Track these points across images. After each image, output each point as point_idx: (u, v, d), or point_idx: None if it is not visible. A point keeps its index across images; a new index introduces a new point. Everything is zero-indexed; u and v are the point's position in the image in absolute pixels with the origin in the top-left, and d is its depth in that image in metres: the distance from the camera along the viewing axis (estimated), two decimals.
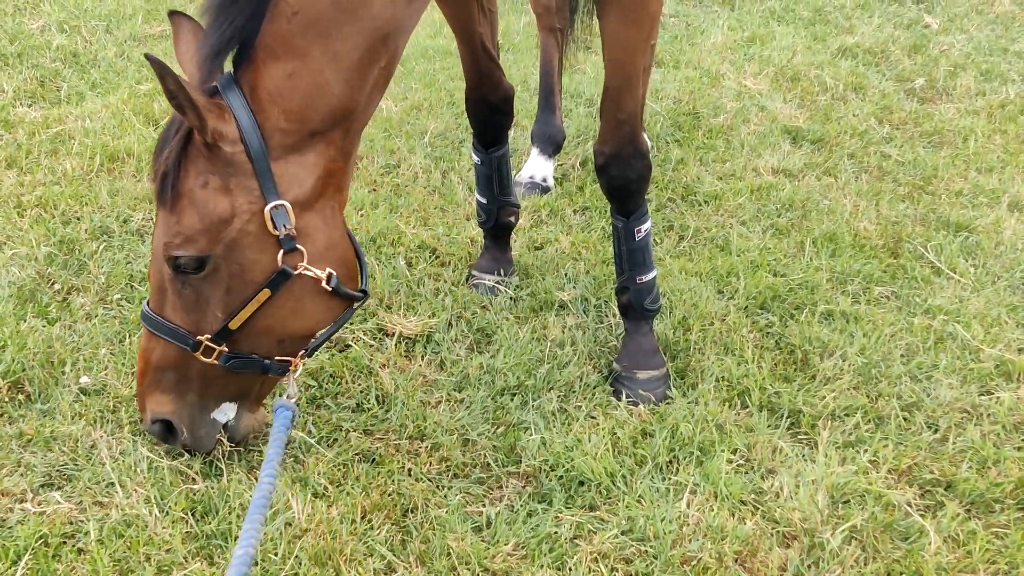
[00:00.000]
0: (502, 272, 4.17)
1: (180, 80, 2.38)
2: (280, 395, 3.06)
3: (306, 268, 2.70)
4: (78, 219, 4.47)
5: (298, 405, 3.08)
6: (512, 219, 4.18)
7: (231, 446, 3.15)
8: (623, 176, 3.47)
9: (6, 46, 6.54)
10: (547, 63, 5.27)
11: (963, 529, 2.96)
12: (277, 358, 2.83)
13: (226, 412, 2.95)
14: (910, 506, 3.05)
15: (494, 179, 4.08)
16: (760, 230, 4.65)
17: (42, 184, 4.76)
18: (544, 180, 5.09)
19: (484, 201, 4.12)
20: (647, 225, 3.58)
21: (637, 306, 3.63)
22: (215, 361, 2.75)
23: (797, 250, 4.48)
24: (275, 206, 2.60)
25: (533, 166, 5.12)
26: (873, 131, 5.78)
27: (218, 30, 2.53)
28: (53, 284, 4.00)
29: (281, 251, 2.65)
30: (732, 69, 6.72)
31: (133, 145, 5.12)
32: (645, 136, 5.14)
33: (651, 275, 3.63)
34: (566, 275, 4.25)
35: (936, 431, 3.38)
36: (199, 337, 2.71)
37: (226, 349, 2.74)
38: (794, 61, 6.79)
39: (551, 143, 5.14)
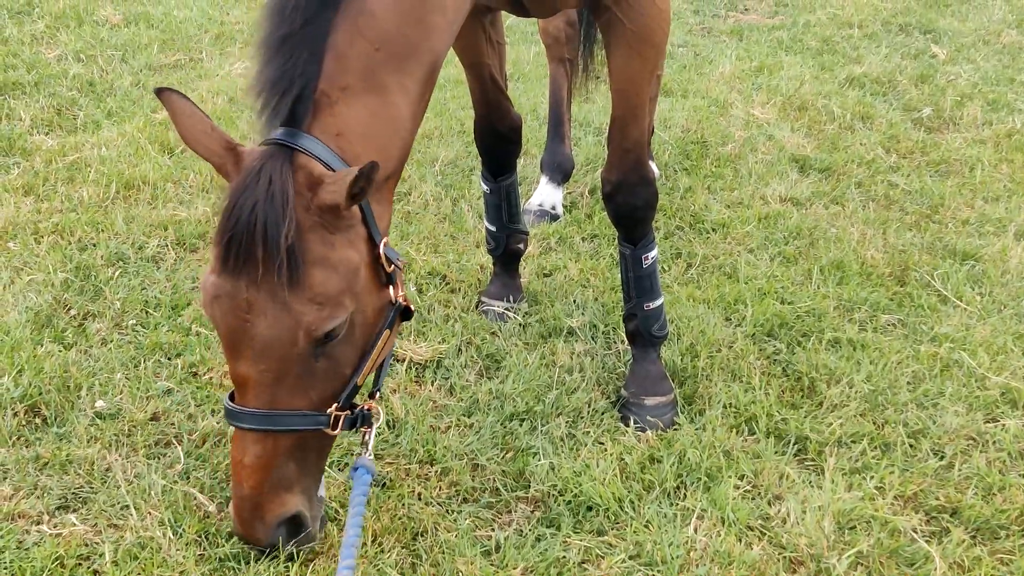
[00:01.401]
0: (511, 299, 4.21)
1: (358, 172, 2.28)
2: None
3: (404, 298, 2.66)
4: (94, 246, 4.54)
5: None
6: (521, 246, 4.24)
7: None
8: (629, 204, 3.52)
9: (23, 75, 6.64)
10: (556, 92, 5.34)
11: (968, 555, 2.98)
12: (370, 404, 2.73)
13: (322, 485, 2.78)
14: (916, 532, 3.07)
15: (503, 207, 4.14)
16: (768, 258, 4.69)
17: (59, 211, 4.84)
18: (553, 208, 5.14)
19: (493, 229, 4.18)
20: (654, 252, 3.63)
21: (645, 333, 3.67)
22: (340, 429, 2.60)
23: (804, 278, 4.52)
24: (384, 243, 2.57)
25: (542, 194, 5.18)
26: (880, 160, 5.83)
27: (281, 67, 2.43)
28: (69, 310, 4.06)
29: (390, 287, 2.62)
30: (740, 98, 6.78)
31: (149, 173, 5.19)
32: (653, 164, 5.21)
33: (658, 302, 3.67)
34: (575, 302, 4.29)
35: (942, 458, 3.40)
36: (328, 411, 2.55)
37: (349, 412, 2.61)
38: (802, 91, 6.85)
39: (560, 171, 5.20)
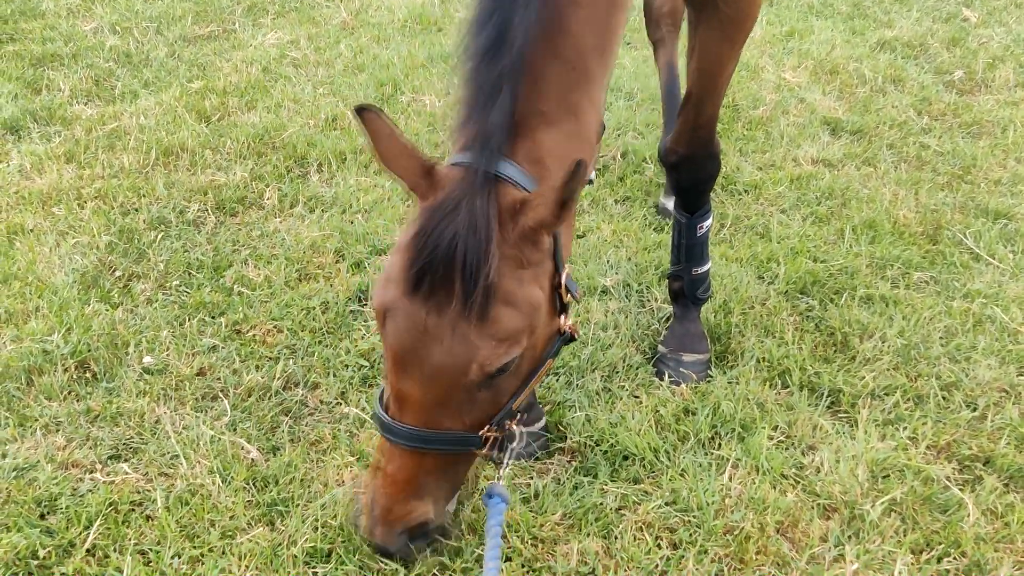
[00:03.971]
0: None
1: (568, 175, 2.12)
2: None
3: (572, 327, 2.55)
4: (136, 210, 4.63)
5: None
6: None
7: (290, 422, 3.31)
8: (693, 176, 3.56)
9: (61, 47, 6.76)
10: None
11: (1001, 502, 3.03)
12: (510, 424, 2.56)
13: (453, 502, 2.64)
14: (949, 480, 3.12)
15: None
16: (800, 218, 4.72)
17: (100, 177, 4.94)
18: None
19: None
20: (709, 222, 3.68)
21: (689, 295, 3.72)
22: (489, 450, 2.48)
23: (837, 237, 4.54)
24: (567, 275, 2.45)
25: None
26: (912, 122, 5.82)
27: (480, 92, 2.33)
28: (114, 271, 4.16)
29: (563, 316, 2.50)
30: (771, 63, 6.77)
31: (187, 140, 5.28)
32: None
33: (706, 267, 3.72)
34: (608, 262, 4.34)
35: (975, 409, 3.43)
36: (482, 432, 2.43)
37: (499, 434, 2.48)
38: (833, 54, 6.83)
39: None
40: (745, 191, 4.99)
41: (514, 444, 2.58)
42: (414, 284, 2.24)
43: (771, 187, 4.99)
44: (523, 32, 2.33)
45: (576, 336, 2.60)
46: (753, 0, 3.24)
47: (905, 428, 3.33)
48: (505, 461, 2.63)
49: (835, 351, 3.75)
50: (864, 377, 3.56)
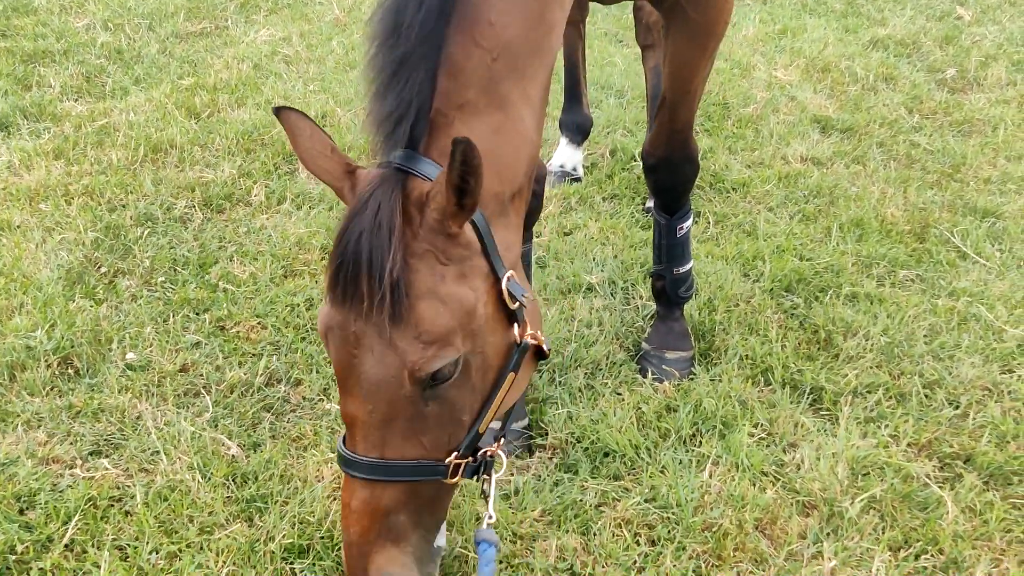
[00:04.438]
0: None
1: (451, 154, 2.00)
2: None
3: (533, 336, 2.36)
4: (123, 207, 4.64)
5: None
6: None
7: (271, 418, 3.30)
8: (671, 179, 3.56)
9: (53, 44, 6.76)
10: (571, 55, 5.35)
11: (981, 500, 3.02)
12: (491, 449, 2.40)
13: (442, 536, 2.46)
14: (929, 478, 3.12)
15: None
16: (787, 216, 4.72)
17: (88, 174, 4.94)
18: (574, 169, 5.18)
19: None
20: (688, 223, 3.68)
21: (671, 293, 3.72)
22: (460, 479, 2.31)
23: (823, 235, 4.54)
24: (509, 277, 2.28)
25: (563, 155, 5.22)
26: (903, 120, 5.81)
27: (396, 91, 2.22)
28: (100, 267, 4.16)
29: (516, 325, 2.32)
30: (763, 61, 6.77)
31: (176, 137, 5.28)
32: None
33: (688, 266, 3.72)
34: (594, 259, 4.34)
35: (957, 407, 3.43)
36: (448, 460, 2.25)
37: (472, 460, 2.31)
38: (825, 52, 6.83)
39: (579, 132, 5.23)
40: (733, 189, 4.99)
41: (499, 473, 2.42)
42: (332, 291, 2.17)
43: (759, 185, 4.99)
44: (426, 20, 2.23)
45: (545, 350, 2.43)
46: (722, 8, 3.23)
47: (887, 426, 3.33)
48: (491, 491, 2.39)
49: (818, 349, 3.75)
50: (847, 375, 3.56)
